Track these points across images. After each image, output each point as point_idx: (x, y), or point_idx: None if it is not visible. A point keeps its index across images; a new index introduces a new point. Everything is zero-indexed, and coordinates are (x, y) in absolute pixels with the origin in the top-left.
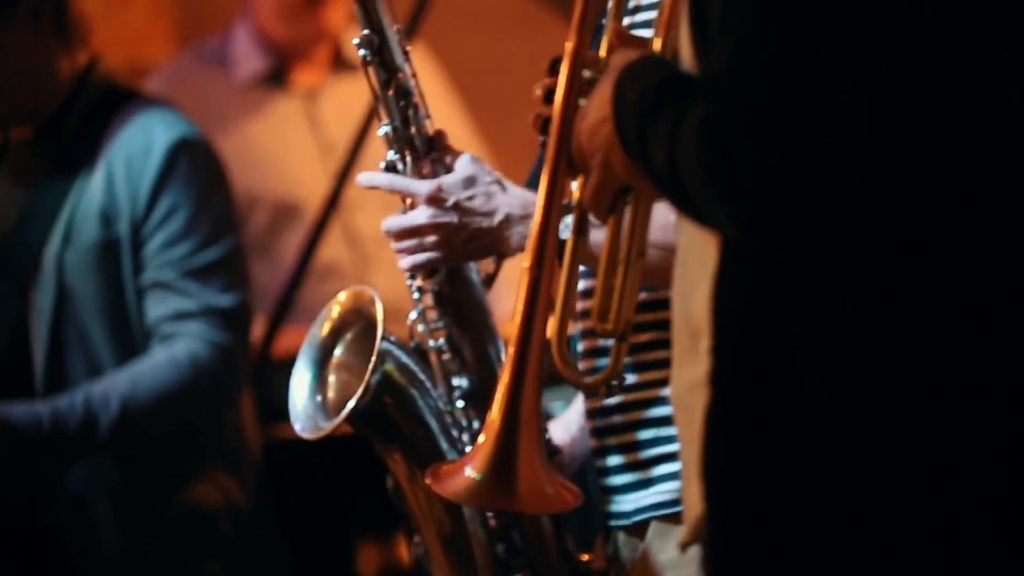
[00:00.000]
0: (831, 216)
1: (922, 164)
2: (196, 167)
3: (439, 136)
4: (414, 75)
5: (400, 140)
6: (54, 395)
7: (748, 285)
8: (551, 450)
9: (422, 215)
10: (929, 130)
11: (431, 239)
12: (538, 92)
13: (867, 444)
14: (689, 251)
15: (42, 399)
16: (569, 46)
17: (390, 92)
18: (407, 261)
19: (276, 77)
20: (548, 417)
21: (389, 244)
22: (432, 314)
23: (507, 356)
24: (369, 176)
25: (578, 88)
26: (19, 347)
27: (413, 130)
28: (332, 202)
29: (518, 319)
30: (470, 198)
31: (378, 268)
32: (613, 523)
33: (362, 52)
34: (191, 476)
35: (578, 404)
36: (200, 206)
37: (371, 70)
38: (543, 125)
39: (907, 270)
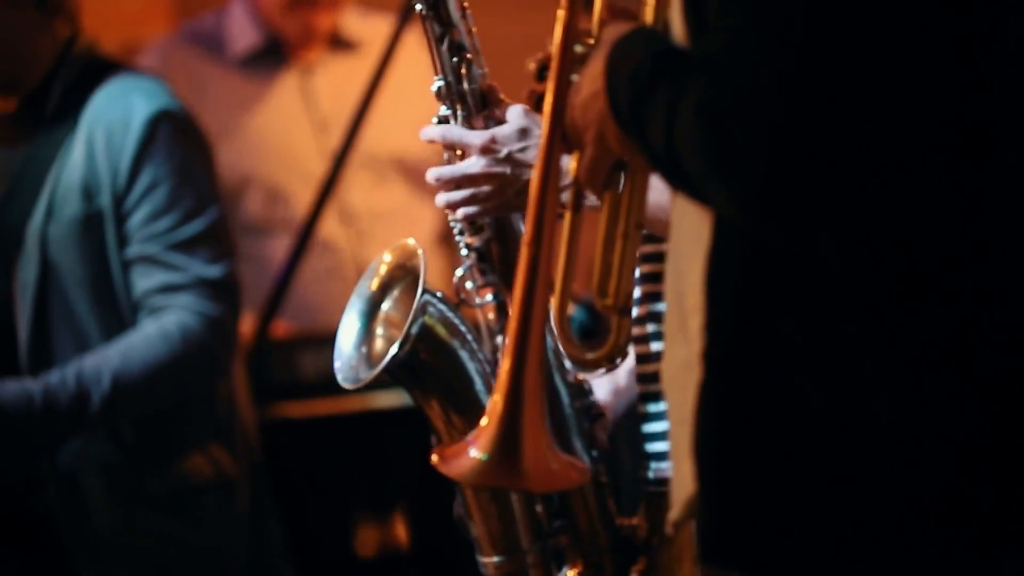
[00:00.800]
0: (830, 194)
1: (925, 143)
2: (177, 138)
3: (492, 91)
4: (470, 31)
5: (453, 95)
6: (39, 370)
7: (741, 263)
8: (595, 413)
9: (475, 165)
10: (931, 108)
11: (485, 189)
12: (531, 67)
13: (858, 422)
14: (682, 230)
15: (28, 374)
16: (560, 19)
17: (444, 47)
18: (461, 212)
19: (272, 52)
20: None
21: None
22: (479, 272)
23: (508, 335)
24: (426, 130)
25: (571, 63)
26: (3, 322)
27: (466, 86)
28: (329, 184)
29: (518, 297)
30: (522, 150)
31: (372, 244)
32: (655, 489)
33: (418, 7)
34: (183, 448)
35: (630, 359)
36: (182, 178)
37: (426, 24)
38: (537, 102)
39: (902, 248)
